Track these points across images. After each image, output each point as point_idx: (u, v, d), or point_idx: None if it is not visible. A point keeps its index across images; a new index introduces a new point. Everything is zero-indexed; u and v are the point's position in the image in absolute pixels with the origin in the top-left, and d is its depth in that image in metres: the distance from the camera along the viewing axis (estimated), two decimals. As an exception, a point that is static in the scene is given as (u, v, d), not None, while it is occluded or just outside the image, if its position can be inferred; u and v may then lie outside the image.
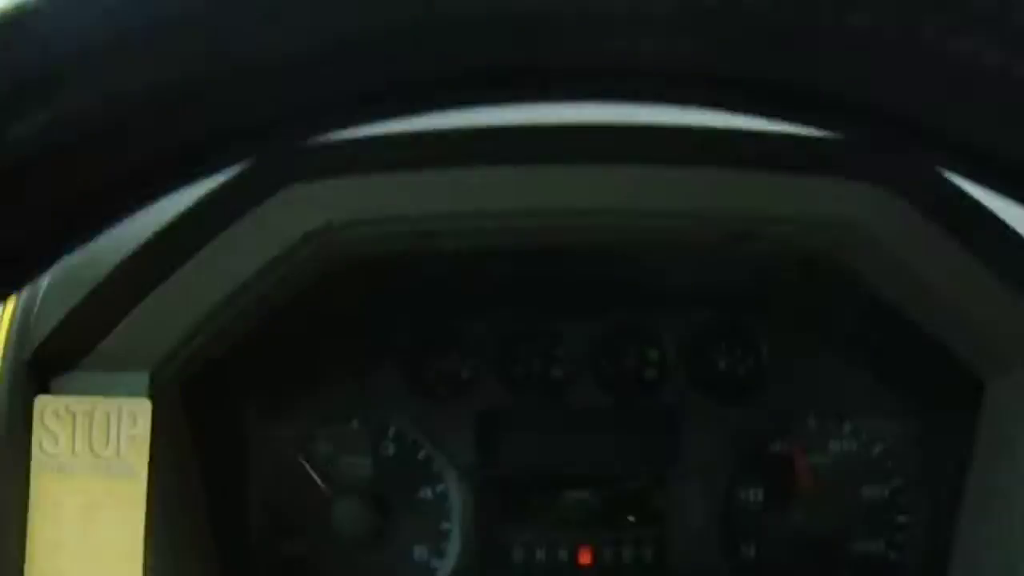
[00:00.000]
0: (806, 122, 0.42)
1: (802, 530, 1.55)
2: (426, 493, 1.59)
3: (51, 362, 1.28)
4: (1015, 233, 1.15)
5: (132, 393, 1.27)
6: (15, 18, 0.35)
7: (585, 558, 1.59)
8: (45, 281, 1.25)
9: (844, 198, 1.19)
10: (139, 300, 1.25)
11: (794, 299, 1.57)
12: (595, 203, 1.21)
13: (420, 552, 1.58)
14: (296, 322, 1.48)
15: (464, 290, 1.60)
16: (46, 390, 1.28)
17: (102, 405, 1.26)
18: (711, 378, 1.63)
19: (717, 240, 1.25)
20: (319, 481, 1.57)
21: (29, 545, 1.23)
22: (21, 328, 1.25)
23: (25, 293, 1.27)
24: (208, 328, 1.28)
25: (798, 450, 1.58)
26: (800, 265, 1.37)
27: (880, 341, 1.50)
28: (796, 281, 1.50)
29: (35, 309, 1.25)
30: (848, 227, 1.20)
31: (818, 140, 1.14)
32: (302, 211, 1.21)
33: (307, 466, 1.58)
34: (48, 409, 1.26)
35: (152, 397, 1.27)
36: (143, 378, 1.28)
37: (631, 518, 1.60)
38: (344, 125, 0.44)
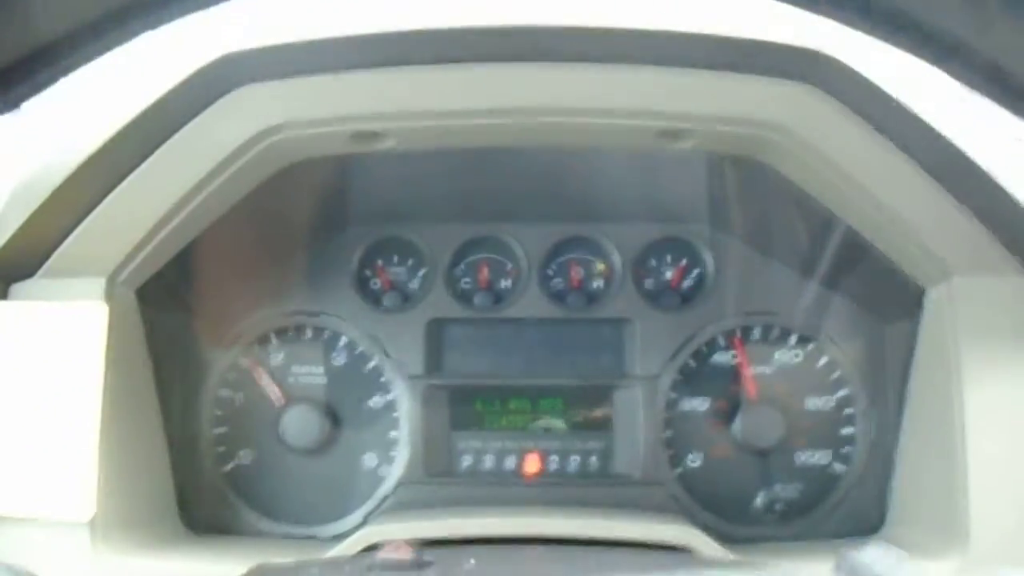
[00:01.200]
0: None
1: (747, 440, 1.57)
2: (375, 402, 1.61)
3: (10, 270, 1.31)
4: (947, 139, 1.16)
5: (88, 298, 1.30)
6: None
7: (532, 467, 1.61)
8: (3, 194, 1.28)
9: (767, 97, 1.20)
10: (93, 208, 1.28)
11: (738, 212, 1.58)
12: (531, 101, 1.22)
13: (369, 460, 1.61)
14: (248, 234, 1.50)
15: (413, 203, 1.61)
16: (5, 296, 1.32)
17: (59, 310, 1.30)
18: (656, 290, 1.65)
19: (647, 137, 1.26)
20: (273, 389, 1.60)
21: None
22: None
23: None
24: (161, 232, 1.31)
25: (742, 361, 1.60)
26: (737, 172, 1.38)
27: (824, 252, 1.51)
28: (738, 193, 1.51)
29: None
30: (772, 125, 1.21)
31: (741, 40, 1.15)
32: (249, 113, 1.23)
33: (261, 374, 1.60)
34: (7, 314, 1.30)
35: (108, 303, 1.31)
36: (99, 283, 1.31)
37: (578, 428, 1.63)
38: None
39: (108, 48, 0.53)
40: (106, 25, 0.51)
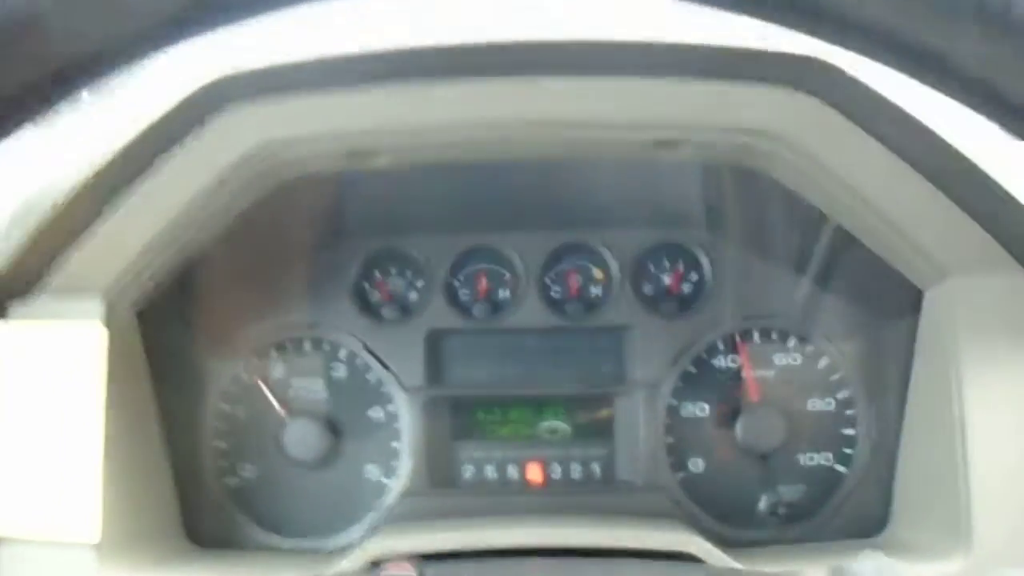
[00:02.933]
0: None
1: (748, 444, 1.57)
2: (377, 414, 1.62)
3: (9, 290, 1.31)
4: (941, 138, 1.17)
5: (86, 317, 1.31)
6: None
7: (535, 476, 1.62)
8: (3, 213, 1.28)
9: (762, 104, 1.20)
10: (89, 227, 1.28)
11: (735, 216, 1.58)
12: (525, 114, 1.23)
13: (372, 471, 1.61)
14: (246, 249, 1.51)
15: (409, 214, 1.62)
16: (4, 315, 1.31)
17: (58, 329, 1.30)
18: (655, 295, 1.65)
19: (643, 147, 1.26)
20: (275, 402, 1.60)
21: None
22: None
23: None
24: (157, 251, 1.32)
25: (743, 365, 1.60)
26: (733, 176, 1.39)
27: (821, 254, 1.52)
28: (734, 197, 1.52)
29: None
30: (766, 132, 1.22)
31: (736, 49, 1.16)
32: (241, 131, 1.24)
33: (263, 387, 1.61)
34: (5, 333, 1.29)
35: (106, 321, 1.31)
36: (97, 303, 1.31)
37: (579, 436, 1.63)
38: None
39: (77, 93, 0.53)
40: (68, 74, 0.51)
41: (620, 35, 1.15)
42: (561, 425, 1.63)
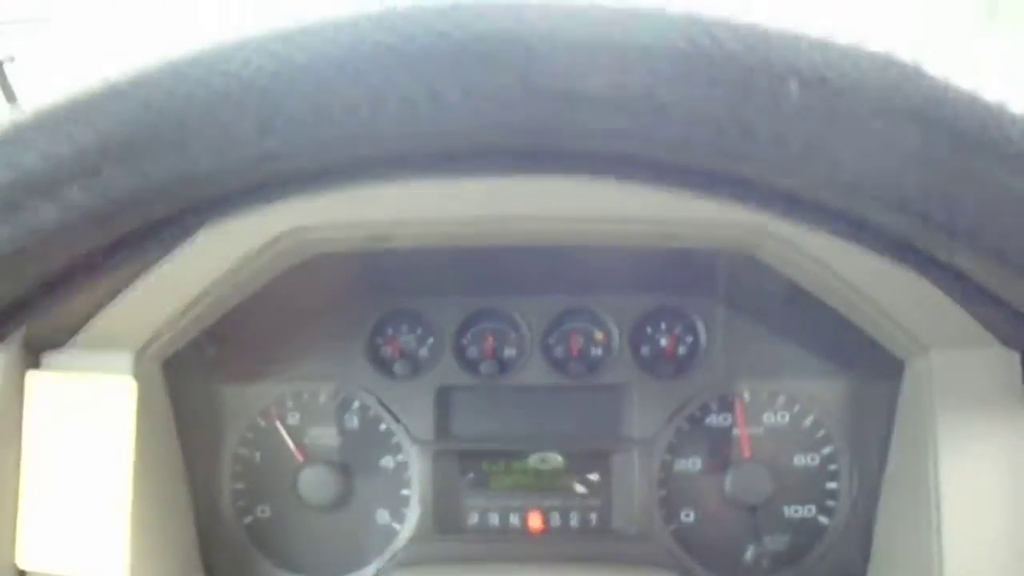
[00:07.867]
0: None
1: (737, 496, 1.66)
2: (387, 463, 1.70)
3: (43, 340, 1.39)
4: None
5: (116, 370, 1.38)
6: None
7: (535, 523, 1.70)
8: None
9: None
10: (123, 289, 1.35)
11: (729, 284, 1.67)
12: (539, 210, 1.31)
13: (382, 516, 1.70)
14: (268, 306, 1.58)
15: (421, 277, 1.70)
16: (37, 365, 1.39)
17: (90, 381, 1.37)
18: (653, 357, 1.73)
19: (646, 239, 1.35)
20: (293, 447, 1.69)
21: (20, 510, 1.33)
22: None
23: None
24: (188, 314, 1.40)
25: (734, 423, 1.69)
26: (730, 258, 1.47)
27: (809, 323, 1.60)
28: (729, 267, 1.59)
29: None
30: (763, 230, 1.30)
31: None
32: (273, 213, 1.31)
33: (283, 432, 1.69)
34: (39, 383, 1.36)
35: (136, 374, 1.39)
36: (127, 357, 1.39)
37: (578, 487, 1.72)
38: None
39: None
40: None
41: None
42: (561, 477, 1.71)
